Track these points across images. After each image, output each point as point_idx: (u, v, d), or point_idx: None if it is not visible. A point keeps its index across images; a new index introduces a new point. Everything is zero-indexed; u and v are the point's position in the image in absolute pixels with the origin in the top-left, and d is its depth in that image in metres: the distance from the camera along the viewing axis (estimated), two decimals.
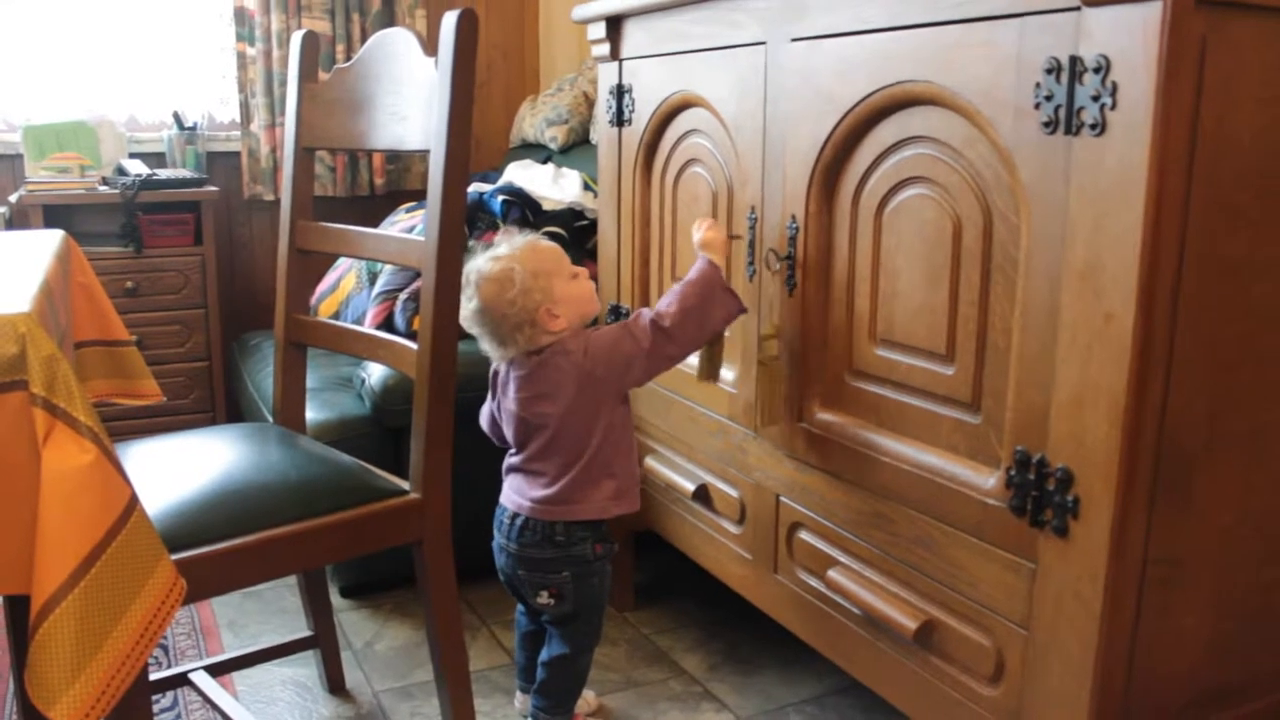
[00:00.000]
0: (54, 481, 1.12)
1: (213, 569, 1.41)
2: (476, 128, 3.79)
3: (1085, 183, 1.19)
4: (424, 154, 1.59)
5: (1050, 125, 1.23)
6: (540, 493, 1.75)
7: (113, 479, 1.15)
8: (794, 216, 1.68)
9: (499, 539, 1.82)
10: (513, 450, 1.80)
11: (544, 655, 1.87)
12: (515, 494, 1.79)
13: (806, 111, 1.64)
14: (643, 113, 2.11)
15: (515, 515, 1.78)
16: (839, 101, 1.56)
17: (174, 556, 1.26)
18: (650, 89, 2.08)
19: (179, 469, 1.57)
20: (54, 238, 1.68)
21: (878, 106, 1.50)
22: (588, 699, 2.03)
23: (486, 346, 1.74)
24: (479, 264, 1.71)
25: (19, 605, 1.63)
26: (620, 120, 2.20)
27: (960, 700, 1.47)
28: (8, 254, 1.53)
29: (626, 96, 2.16)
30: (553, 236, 2.34)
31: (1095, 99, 1.17)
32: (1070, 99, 1.20)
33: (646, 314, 1.71)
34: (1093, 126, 1.18)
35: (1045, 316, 1.27)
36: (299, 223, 1.87)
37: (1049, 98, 1.22)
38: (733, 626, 2.35)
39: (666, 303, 1.71)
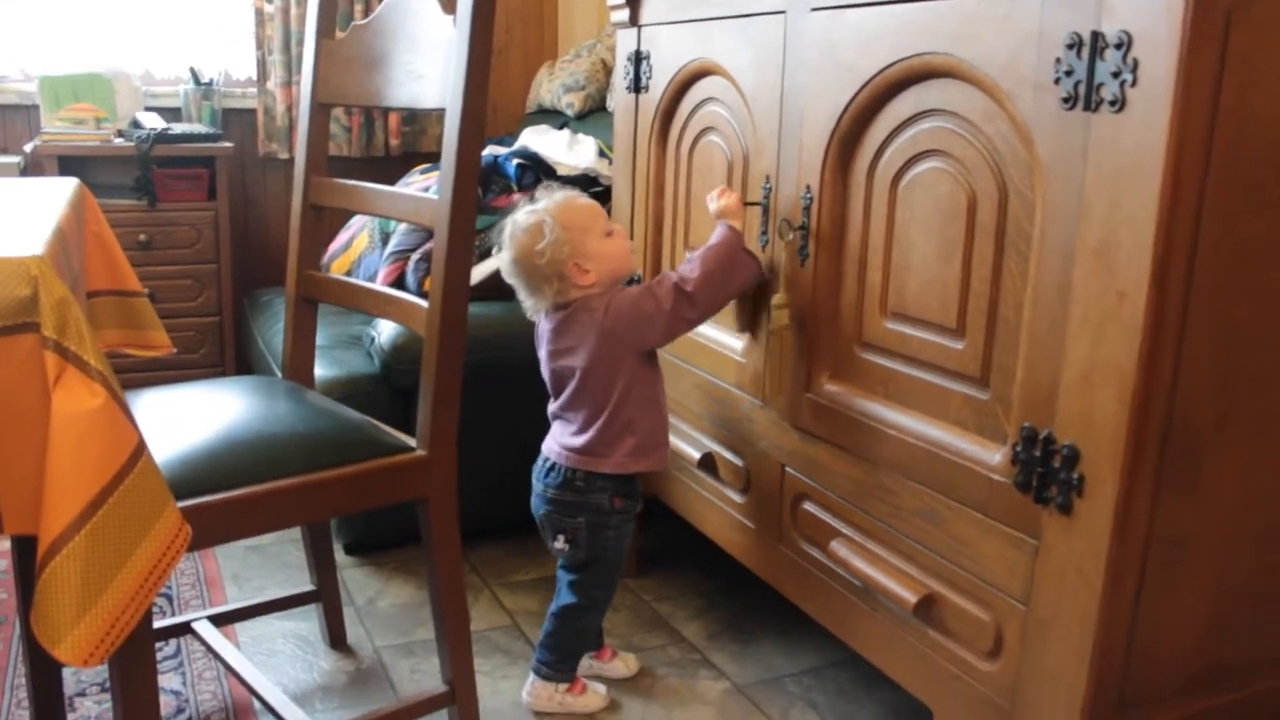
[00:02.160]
0: (63, 424, 1.12)
1: (218, 517, 1.41)
2: (493, 92, 3.78)
3: (1103, 159, 1.19)
4: (440, 113, 1.59)
5: (1069, 101, 1.22)
6: (570, 440, 1.82)
7: (121, 423, 1.16)
8: (809, 187, 1.67)
9: (534, 482, 1.88)
10: (551, 398, 1.86)
11: (553, 605, 1.91)
12: (553, 440, 1.86)
13: (825, 82, 1.63)
14: (660, 80, 2.10)
15: (547, 458, 1.85)
16: (858, 72, 1.55)
17: (180, 504, 1.27)
18: (668, 56, 2.07)
19: (187, 418, 1.58)
20: (68, 185, 1.69)
21: (896, 78, 1.49)
22: (627, 661, 2.06)
23: (521, 297, 1.81)
24: (516, 216, 1.78)
25: (26, 546, 1.65)
26: (637, 87, 2.19)
27: (958, 674, 1.47)
28: (22, 199, 1.53)
29: (644, 63, 2.15)
30: None
31: (1116, 75, 1.16)
32: (1090, 75, 1.19)
33: (671, 276, 1.74)
34: (1112, 103, 1.17)
35: (1057, 293, 1.27)
36: (313, 178, 1.87)
37: (1069, 73, 1.22)
38: (734, 596, 2.36)
39: (689, 267, 1.74)
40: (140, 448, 1.18)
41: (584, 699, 1.92)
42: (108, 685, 1.93)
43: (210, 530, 1.41)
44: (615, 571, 1.89)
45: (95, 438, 1.13)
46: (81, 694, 1.91)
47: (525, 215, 1.76)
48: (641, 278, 2.21)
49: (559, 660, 1.90)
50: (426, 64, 1.63)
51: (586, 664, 2.01)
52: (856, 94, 1.56)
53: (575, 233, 1.73)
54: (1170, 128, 1.12)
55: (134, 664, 1.36)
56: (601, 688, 1.96)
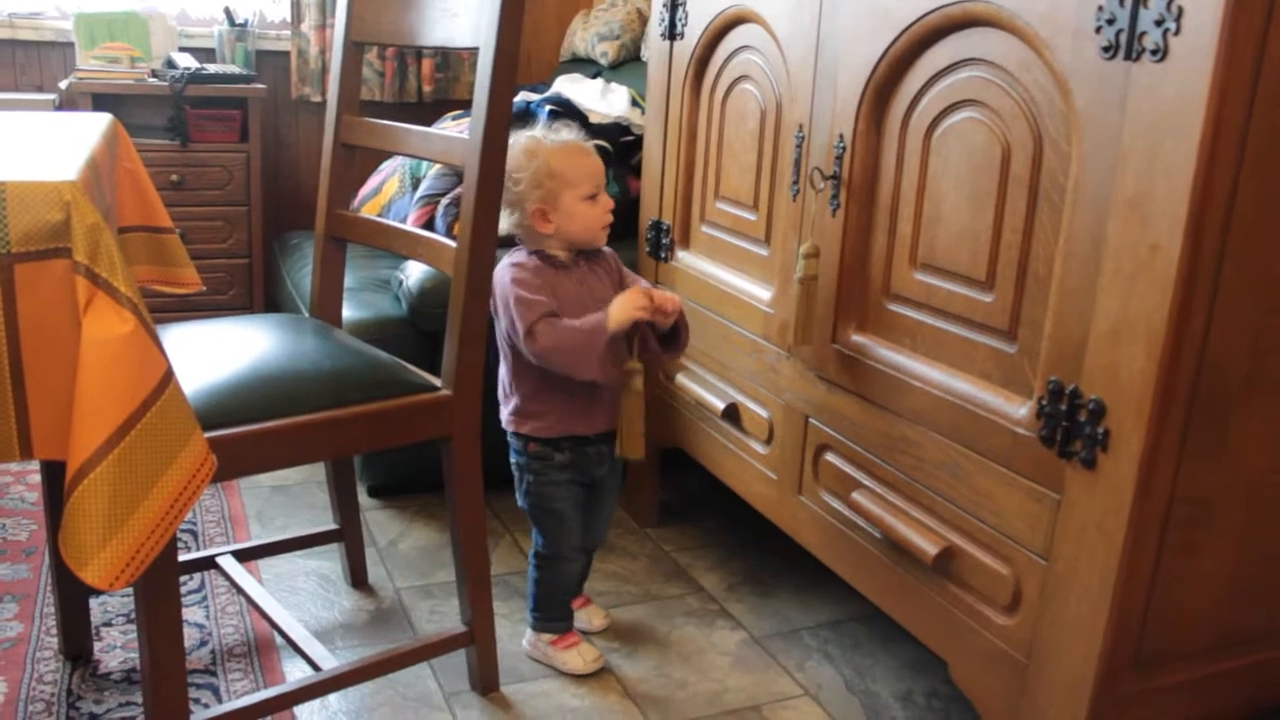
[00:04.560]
0: (93, 349, 1.13)
1: (243, 449, 1.42)
2: (527, 41, 3.76)
3: (1141, 110, 1.17)
4: (473, 61, 1.58)
5: (1110, 50, 1.20)
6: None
7: (150, 351, 1.17)
8: (842, 135, 1.66)
9: None
10: None
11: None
12: None
13: (862, 29, 1.61)
14: (695, 26, 2.08)
15: None
16: (896, 19, 1.53)
17: (206, 434, 1.28)
18: (704, 2, 2.05)
19: (215, 352, 1.59)
20: (102, 120, 1.69)
21: (935, 26, 1.47)
22: (594, 615, 2.05)
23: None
24: (526, 132, 1.77)
25: (56, 477, 1.67)
26: (672, 34, 2.17)
27: (975, 628, 1.47)
28: (57, 131, 1.54)
29: (680, 9, 2.13)
30: (598, 150, 2.33)
31: (1159, 24, 1.14)
32: (1133, 23, 1.17)
33: (529, 318, 1.67)
34: (1154, 52, 1.15)
35: (1089, 246, 1.25)
36: (345, 117, 1.87)
37: (1111, 21, 1.20)
38: (753, 549, 2.37)
39: (550, 330, 1.68)
40: (168, 376, 1.19)
41: (563, 655, 1.90)
42: (134, 615, 1.96)
43: (236, 461, 1.42)
44: (548, 520, 1.86)
45: (124, 364, 1.14)
46: (108, 624, 1.94)
47: (530, 138, 1.74)
48: (670, 229, 2.21)
49: (537, 609, 1.91)
50: (461, 3, 1.62)
51: None
52: (894, 41, 1.54)
53: (557, 181, 1.71)
54: (1212, 79, 1.10)
55: (159, 594, 1.37)
56: (592, 653, 1.91)
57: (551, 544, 1.87)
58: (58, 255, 1.13)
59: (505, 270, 1.74)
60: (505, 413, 1.83)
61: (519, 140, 1.74)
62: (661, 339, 1.80)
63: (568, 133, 1.77)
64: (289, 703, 1.59)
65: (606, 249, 1.83)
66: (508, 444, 1.86)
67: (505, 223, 1.76)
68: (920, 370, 1.54)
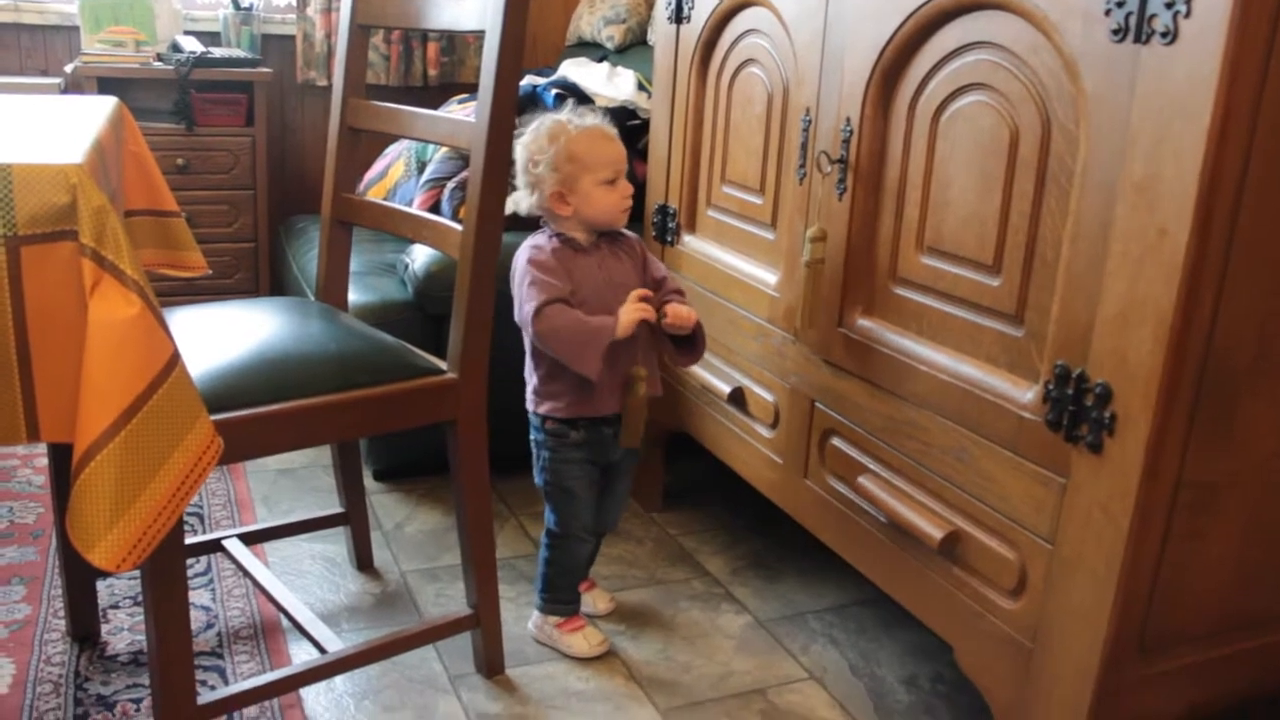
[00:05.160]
0: (99, 332, 1.13)
1: (250, 431, 1.43)
2: (533, 24, 3.75)
3: (1150, 93, 1.16)
4: (479, 44, 1.57)
5: (1119, 33, 1.20)
6: None
7: (156, 333, 1.17)
8: (849, 119, 1.65)
9: None
10: None
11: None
12: None
13: (869, 12, 1.60)
14: (702, 10, 2.08)
15: None
16: (903, 3, 1.53)
17: (213, 417, 1.28)
18: None
19: (221, 334, 1.59)
20: (108, 103, 1.69)
21: (943, 8, 1.47)
22: (599, 598, 2.06)
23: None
24: (551, 115, 1.77)
25: (62, 461, 1.67)
26: (679, 17, 2.16)
27: (980, 612, 1.47)
28: (63, 114, 1.54)
29: None
30: None
31: (1169, 6, 1.13)
32: (1142, 6, 1.16)
33: (540, 300, 1.69)
34: (1164, 35, 1.14)
35: (1097, 230, 1.25)
36: (351, 100, 1.87)
37: (1120, 4, 1.19)
38: (759, 533, 2.37)
39: (559, 312, 1.69)
40: (175, 358, 1.19)
41: (568, 638, 1.91)
42: (140, 598, 1.96)
43: (242, 444, 1.42)
44: (561, 498, 1.86)
45: (131, 346, 1.14)
46: (115, 606, 1.95)
47: (554, 122, 1.74)
48: (676, 212, 2.20)
49: (545, 590, 1.92)
50: None
51: None
52: (902, 24, 1.53)
53: (576, 165, 1.71)
54: (1222, 62, 1.09)
55: (166, 577, 1.38)
56: (597, 637, 1.92)
57: (563, 523, 1.88)
58: (64, 238, 1.13)
59: (523, 251, 1.76)
60: (528, 392, 1.85)
61: (544, 123, 1.75)
62: (676, 344, 1.82)
63: (592, 118, 1.77)
64: (295, 685, 1.59)
65: (631, 234, 1.84)
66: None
67: (527, 203, 1.78)
68: (926, 354, 1.54)
